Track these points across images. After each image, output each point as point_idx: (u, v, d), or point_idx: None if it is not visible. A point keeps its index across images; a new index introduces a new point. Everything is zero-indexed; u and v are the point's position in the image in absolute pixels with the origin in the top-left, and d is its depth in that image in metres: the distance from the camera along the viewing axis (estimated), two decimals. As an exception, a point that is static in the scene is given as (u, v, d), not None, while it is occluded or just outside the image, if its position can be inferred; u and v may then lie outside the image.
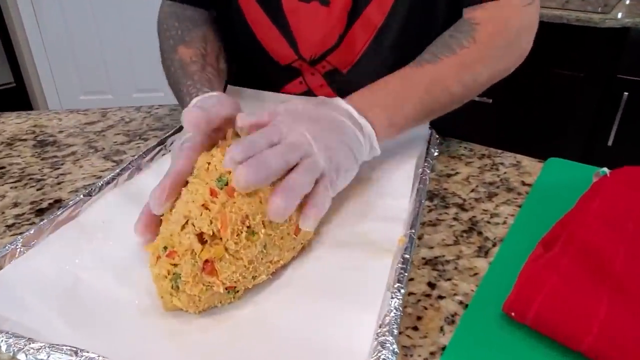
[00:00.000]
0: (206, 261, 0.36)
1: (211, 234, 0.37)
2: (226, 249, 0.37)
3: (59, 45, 2.52)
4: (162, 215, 0.41)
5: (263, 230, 0.38)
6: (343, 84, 0.70)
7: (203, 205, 0.38)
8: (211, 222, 0.37)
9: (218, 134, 0.46)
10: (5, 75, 2.53)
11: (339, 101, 0.49)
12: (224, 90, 0.72)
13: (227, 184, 0.39)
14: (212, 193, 0.38)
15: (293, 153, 0.41)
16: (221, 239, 0.37)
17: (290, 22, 0.66)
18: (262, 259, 0.38)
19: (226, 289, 0.37)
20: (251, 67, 0.75)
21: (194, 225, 0.37)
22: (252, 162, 0.38)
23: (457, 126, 0.69)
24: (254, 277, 0.38)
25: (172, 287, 0.36)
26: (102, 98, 2.56)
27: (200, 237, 0.37)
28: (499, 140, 0.81)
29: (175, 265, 0.36)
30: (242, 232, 0.37)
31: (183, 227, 0.37)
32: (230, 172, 0.39)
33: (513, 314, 0.36)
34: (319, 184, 0.43)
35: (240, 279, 0.37)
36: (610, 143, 1.72)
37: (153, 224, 0.42)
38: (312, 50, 0.68)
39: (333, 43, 0.66)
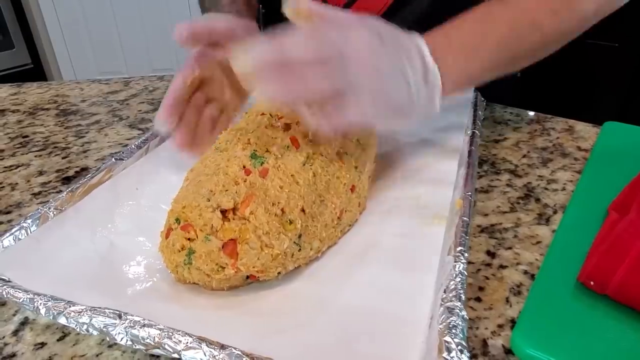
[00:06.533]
0: (230, 240, 0.32)
1: (233, 212, 0.33)
2: (255, 233, 0.32)
3: (75, 25, 2.50)
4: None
5: (300, 221, 0.34)
6: None
7: (233, 181, 0.34)
8: (235, 200, 0.33)
9: (217, 50, 0.45)
10: (22, 56, 2.52)
11: (413, 35, 0.39)
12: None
13: (262, 164, 0.35)
14: (245, 171, 0.35)
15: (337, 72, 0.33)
16: (249, 220, 0.33)
17: None
18: (292, 255, 0.34)
19: (247, 277, 0.33)
20: (277, 8, 0.71)
21: (216, 201, 0.33)
22: (284, 75, 0.31)
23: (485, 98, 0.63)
24: (278, 273, 0.34)
25: (184, 262, 0.33)
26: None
27: (225, 215, 0.33)
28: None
29: (190, 240, 0.33)
30: (275, 215, 0.33)
31: (207, 200, 0.34)
32: (267, 151, 0.36)
33: (592, 283, 0.32)
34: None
35: (262, 269, 0.33)
36: (645, 117, 1.64)
37: (175, 110, 0.43)
38: None
39: None
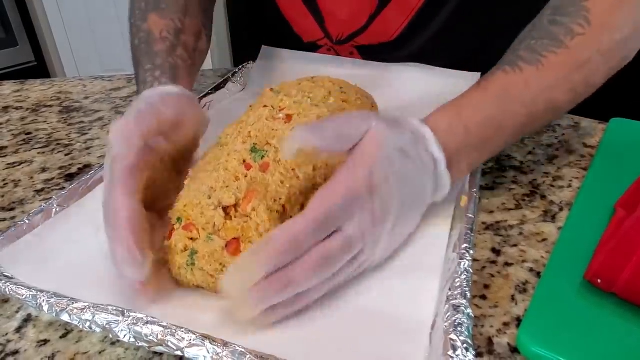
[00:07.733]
0: (233, 240, 0.32)
1: (235, 209, 0.32)
2: (257, 231, 0.32)
3: (78, 22, 2.51)
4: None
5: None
6: (374, 54, 0.64)
7: (233, 176, 0.34)
8: (237, 196, 0.33)
9: (158, 139, 0.36)
10: (26, 54, 2.53)
11: (426, 140, 0.35)
12: (258, 50, 0.67)
13: (262, 158, 0.34)
14: (246, 165, 0.34)
15: (342, 255, 0.31)
16: (251, 217, 0.32)
17: None
18: None
19: None
20: (277, 41, 0.70)
21: (217, 197, 0.33)
22: (275, 284, 0.28)
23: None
24: None
25: (187, 263, 0.32)
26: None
27: (226, 212, 0.33)
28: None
29: (193, 239, 0.32)
30: (277, 213, 0.33)
31: (209, 198, 0.33)
32: (268, 144, 0.35)
33: (599, 281, 0.32)
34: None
35: None
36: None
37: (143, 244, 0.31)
38: (340, 30, 0.62)
39: (362, 24, 0.60)
